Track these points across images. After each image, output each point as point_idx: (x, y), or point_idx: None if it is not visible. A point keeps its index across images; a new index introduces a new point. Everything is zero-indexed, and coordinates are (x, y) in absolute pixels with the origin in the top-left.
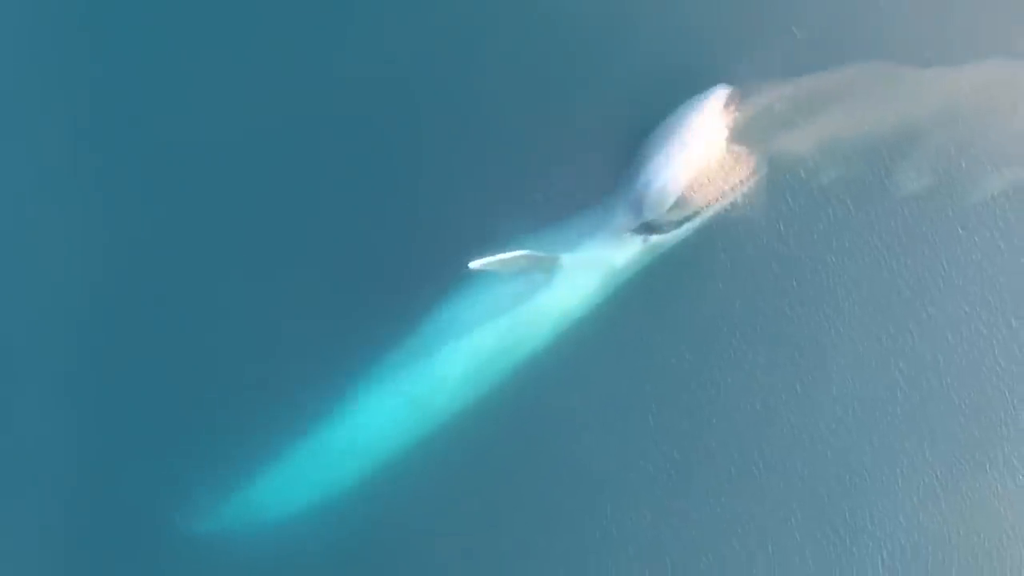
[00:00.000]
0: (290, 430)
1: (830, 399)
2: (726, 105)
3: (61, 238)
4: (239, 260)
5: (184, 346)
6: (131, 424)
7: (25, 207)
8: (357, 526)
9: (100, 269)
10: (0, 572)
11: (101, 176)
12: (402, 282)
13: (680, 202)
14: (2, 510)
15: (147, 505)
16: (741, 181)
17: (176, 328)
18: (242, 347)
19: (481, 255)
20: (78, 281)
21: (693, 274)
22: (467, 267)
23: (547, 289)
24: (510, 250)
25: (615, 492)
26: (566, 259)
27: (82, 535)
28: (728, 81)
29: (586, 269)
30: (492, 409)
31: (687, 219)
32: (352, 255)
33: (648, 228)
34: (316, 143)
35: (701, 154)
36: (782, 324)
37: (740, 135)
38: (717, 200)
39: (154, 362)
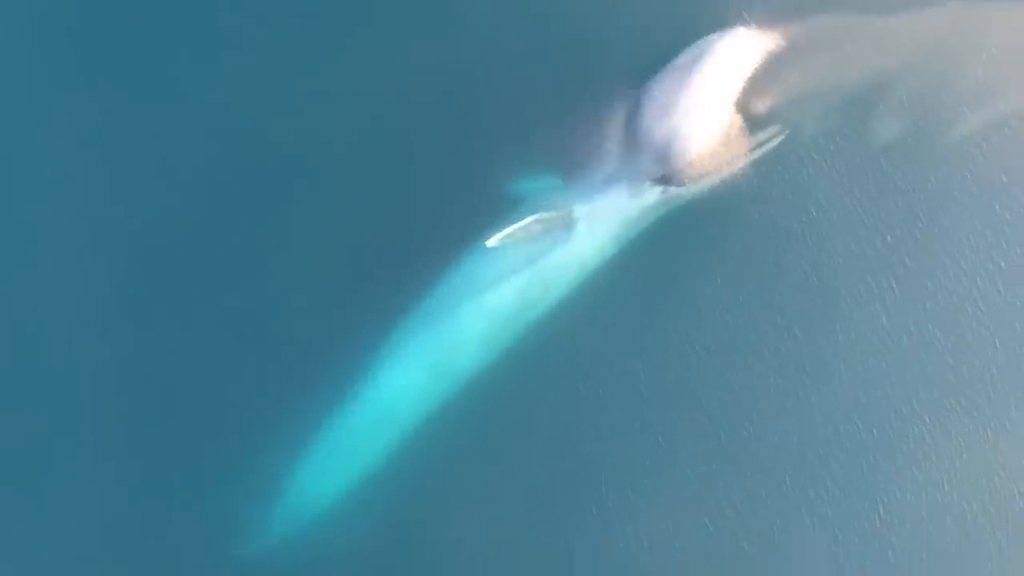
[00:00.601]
0: (316, 415)
1: (839, 359)
2: (742, 50)
3: (68, 238)
4: (252, 241)
5: (197, 340)
6: (157, 430)
7: (36, 209)
8: (396, 500)
9: (112, 261)
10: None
11: (116, 175)
12: (414, 249)
13: (699, 153)
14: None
15: (184, 511)
16: (761, 136)
17: (189, 319)
18: (256, 334)
19: (494, 218)
20: (88, 281)
21: (710, 227)
22: (483, 240)
23: (562, 245)
24: (523, 211)
25: (638, 442)
26: (581, 213)
27: (120, 550)
28: (742, 23)
29: (601, 222)
30: (513, 369)
31: (706, 171)
32: (363, 226)
33: (665, 179)
34: (326, 111)
35: (724, 105)
36: (799, 279)
37: (756, 85)
38: (736, 154)
39: (170, 358)
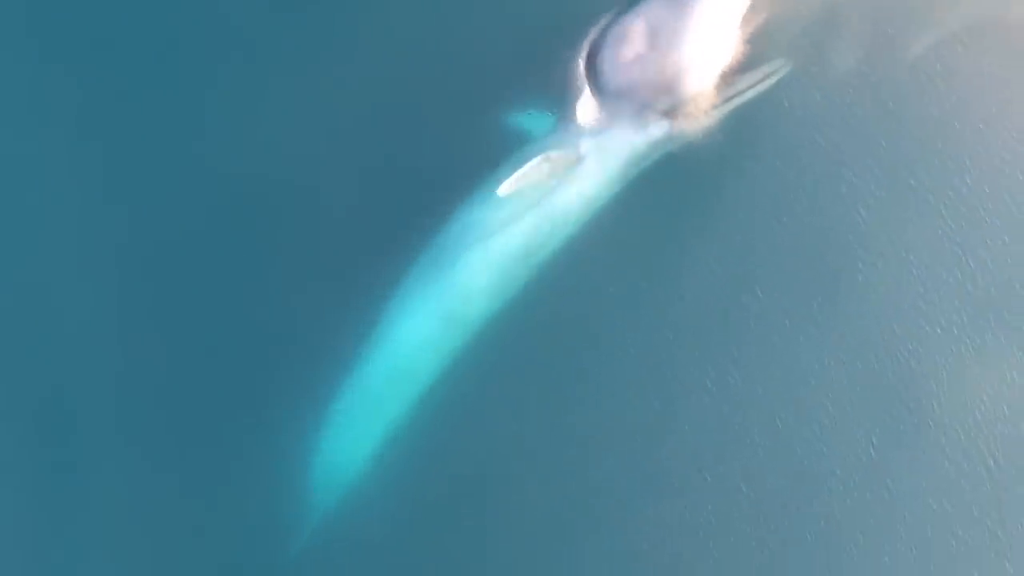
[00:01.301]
0: (332, 376)
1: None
2: None
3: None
4: (255, 200)
5: (207, 307)
6: (181, 409)
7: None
8: (418, 454)
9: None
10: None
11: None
12: (419, 199)
13: (705, 85)
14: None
15: (216, 492)
16: (766, 68)
17: (200, 285)
18: (264, 297)
19: (499, 162)
20: (107, 249)
21: (716, 163)
22: (489, 185)
23: (568, 185)
24: (529, 152)
25: (650, 378)
26: (587, 150)
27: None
28: None
29: (608, 159)
30: (523, 314)
31: (712, 104)
32: (364, 179)
33: (671, 112)
34: (325, 68)
35: (728, 35)
36: (807, 216)
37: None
38: (746, 86)
39: (183, 326)
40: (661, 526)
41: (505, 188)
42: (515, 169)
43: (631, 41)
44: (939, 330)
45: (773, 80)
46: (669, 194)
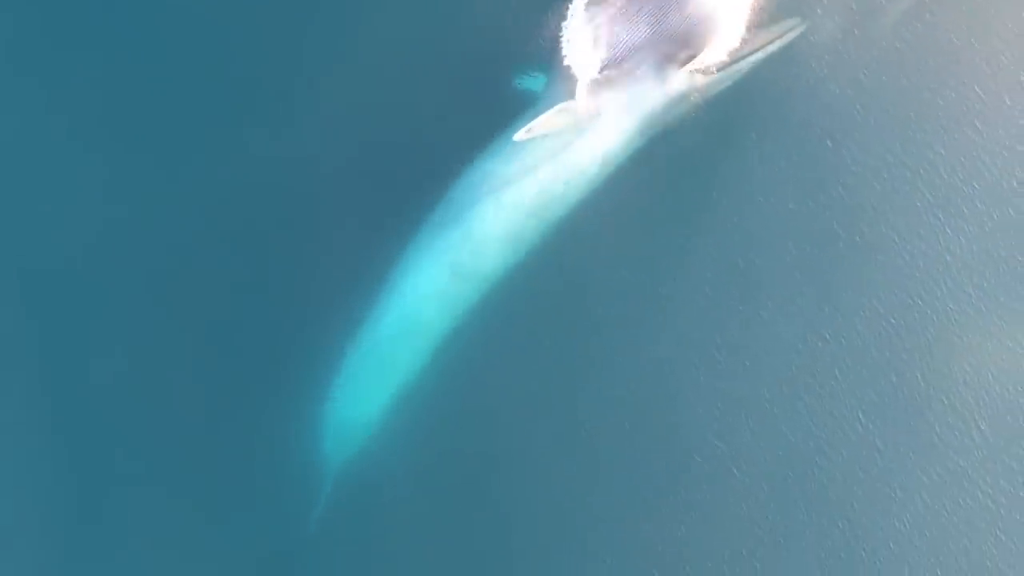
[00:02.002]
0: (345, 326)
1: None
2: None
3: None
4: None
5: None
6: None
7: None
8: (429, 407)
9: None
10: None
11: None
12: (436, 149)
13: (725, 36)
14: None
15: (231, 446)
16: (787, 25)
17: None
18: (280, 248)
19: (519, 112)
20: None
21: (735, 118)
22: (507, 135)
23: (586, 138)
24: (548, 103)
25: (663, 334)
26: (606, 102)
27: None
28: None
29: (627, 112)
30: (536, 268)
31: (732, 56)
32: (381, 127)
33: (691, 63)
34: (347, 34)
35: None
36: (825, 172)
37: None
38: (763, 42)
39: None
40: (663, 477)
41: (522, 135)
42: (533, 119)
43: None
44: (920, 302)
45: (789, 38)
46: (685, 153)
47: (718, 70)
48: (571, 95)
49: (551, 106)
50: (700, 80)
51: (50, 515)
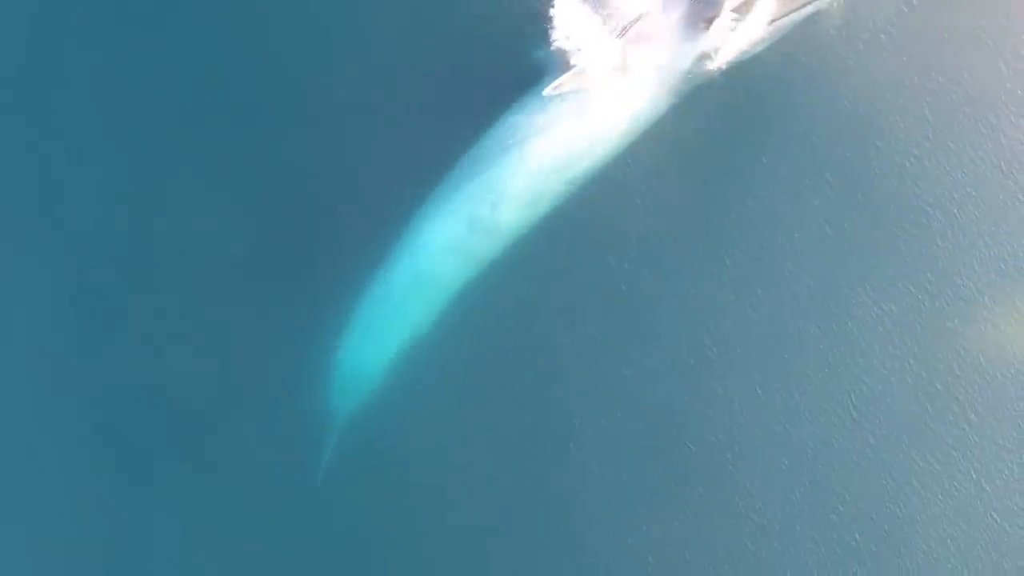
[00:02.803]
0: (362, 274)
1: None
2: None
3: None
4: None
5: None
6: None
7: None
8: (439, 358)
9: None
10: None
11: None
12: (461, 102)
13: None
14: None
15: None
16: None
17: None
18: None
19: (545, 69)
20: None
21: (758, 87)
22: (535, 90)
23: (612, 96)
24: (577, 60)
25: (676, 293)
26: (634, 63)
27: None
28: None
29: (654, 69)
30: (555, 225)
31: (758, 25)
32: (411, 73)
33: (720, 26)
34: None
35: None
36: (852, 146)
37: None
38: (795, 6)
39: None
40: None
41: (550, 91)
42: (561, 75)
43: None
44: (912, 288)
45: (822, 4)
46: (708, 116)
47: (748, 32)
48: (600, 54)
49: (580, 63)
50: (729, 41)
51: (67, 448)
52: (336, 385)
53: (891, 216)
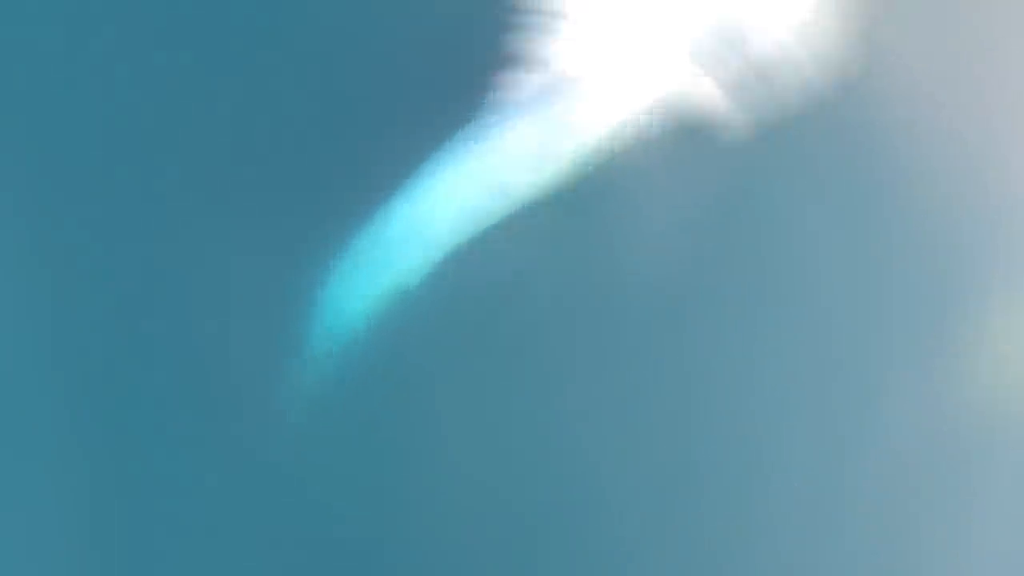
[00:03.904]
0: (347, 226)
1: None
2: None
3: None
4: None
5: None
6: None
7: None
8: (427, 318)
9: None
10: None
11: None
12: (480, 53)
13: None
14: None
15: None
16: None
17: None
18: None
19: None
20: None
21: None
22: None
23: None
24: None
25: (697, 260)
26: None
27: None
28: None
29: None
30: (565, 190)
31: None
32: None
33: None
34: None
35: None
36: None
37: None
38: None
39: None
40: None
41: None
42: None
43: None
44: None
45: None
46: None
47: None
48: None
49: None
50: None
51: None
52: (313, 334)
53: (905, 217)
